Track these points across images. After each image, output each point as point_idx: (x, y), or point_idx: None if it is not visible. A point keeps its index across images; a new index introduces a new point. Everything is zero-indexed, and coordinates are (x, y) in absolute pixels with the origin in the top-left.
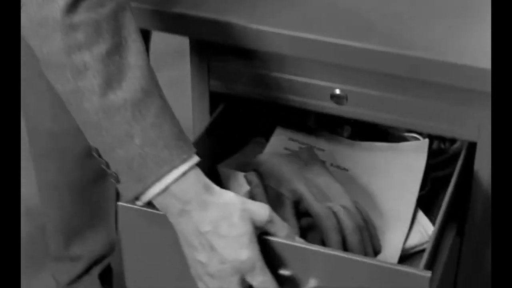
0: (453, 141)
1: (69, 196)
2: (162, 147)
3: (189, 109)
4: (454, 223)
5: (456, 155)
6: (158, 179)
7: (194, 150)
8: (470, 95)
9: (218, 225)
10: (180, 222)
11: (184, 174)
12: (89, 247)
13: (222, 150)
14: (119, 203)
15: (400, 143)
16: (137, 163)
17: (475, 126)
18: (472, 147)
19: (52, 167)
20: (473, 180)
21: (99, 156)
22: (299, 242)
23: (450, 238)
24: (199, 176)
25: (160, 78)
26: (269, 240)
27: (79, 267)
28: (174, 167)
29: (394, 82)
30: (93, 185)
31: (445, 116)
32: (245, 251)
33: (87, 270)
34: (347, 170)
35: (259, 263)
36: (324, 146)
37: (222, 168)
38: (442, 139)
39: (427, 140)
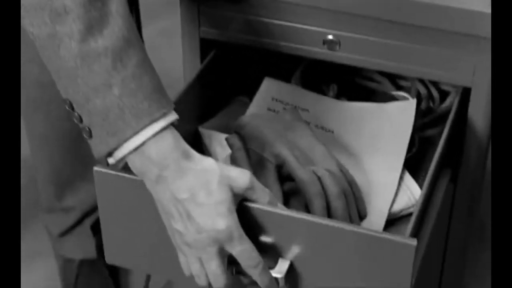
0: (442, 100)
1: (58, 147)
2: (142, 99)
3: (181, 58)
4: (447, 169)
5: (445, 115)
6: (136, 132)
7: (173, 106)
8: (464, 40)
9: (196, 192)
10: (157, 190)
11: (162, 130)
12: (81, 198)
13: (215, 94)
14: (95, 168)
15: (387, 103)
16: (113, 115)
17: (470, 71)
18: (466, 92)
19: (41, 119)
20: (467, 126)
21: (72, 109)
22: (281, 209)
23: (443, 185)
24: (177, 139)
25: (151, 29)
26: (249, 206)
27: (71, 218)
28: (154, 120)
29: (387, 27)
30: (82, 136)
31: (440, 61)
32: (222, 220)
33: (79, 221)
34: (332, 131)
35: (237, 232)
36: (308, 107)
37: (204, 129)
38: (431, 97)
39: (414, 100)
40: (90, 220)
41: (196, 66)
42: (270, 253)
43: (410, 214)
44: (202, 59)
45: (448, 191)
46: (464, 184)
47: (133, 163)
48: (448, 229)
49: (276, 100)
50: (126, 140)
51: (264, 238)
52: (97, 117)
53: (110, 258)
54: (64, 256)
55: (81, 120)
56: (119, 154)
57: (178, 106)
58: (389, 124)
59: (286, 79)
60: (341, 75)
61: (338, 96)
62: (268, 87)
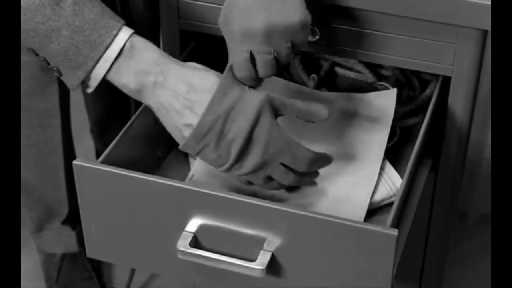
0: (422, 89)
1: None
2: (90, 31)
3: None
4: (428, 159)
5: (425, 104)
6: (97, 61)
7: (123, 22)
8: (444, 29)
9: (190, 82)
10: (158, 94)
11: (124, 47)
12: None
13: None
14: (74, 162)
15: (368, 92)
16: (71, 52)
17: (450, 60)
18: (446, 81)
19: None
20: (447, 115)
21: (36, 54)
22: (262, 201)
23: (424, 174)
24: (150, 46)
25: (131, 22)
26: (231, 198)
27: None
28: (108, 45)
29: (367, 16)
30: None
31: (420, 50)
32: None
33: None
34: (313, 121)
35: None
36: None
37: None
38: (411, 86)
39: (395, 89)
40: (59, 217)
41: (175, 58)
42: (251, 245)
43: (392, 204)
44: (182, 51)
45: (429, 180)
46: (445, 173)
47: (128, 83)
48: (429, 217)
49: None
50: (91, 69)
51: (246, 230)
52: (58, 58)
53: (92, 252)
54: (45, 251)
55: (48, 63)
56: (94, 83)
57: None
58: (369, 114)
59: None
60: (322, 65)
61: (319, 87)
62: None
